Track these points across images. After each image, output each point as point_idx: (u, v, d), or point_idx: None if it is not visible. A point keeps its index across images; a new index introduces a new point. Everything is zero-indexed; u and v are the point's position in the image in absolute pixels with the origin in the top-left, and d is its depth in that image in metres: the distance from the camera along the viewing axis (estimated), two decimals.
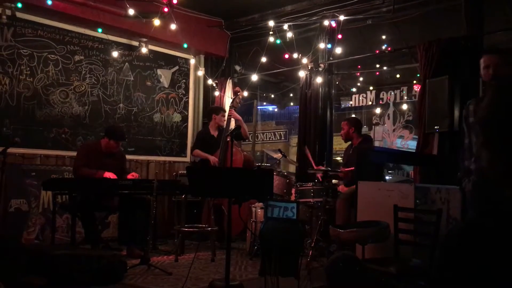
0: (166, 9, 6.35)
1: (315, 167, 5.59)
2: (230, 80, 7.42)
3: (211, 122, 6.36)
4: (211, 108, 6.79)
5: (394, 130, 8.07)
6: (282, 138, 14.33)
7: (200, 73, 7.45)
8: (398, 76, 7.86)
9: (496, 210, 2.40)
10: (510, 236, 2.34)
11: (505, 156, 2.48)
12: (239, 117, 6.10)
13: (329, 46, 6.46)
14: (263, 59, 6.87)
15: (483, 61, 2.98)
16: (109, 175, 5.09)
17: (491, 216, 2.42)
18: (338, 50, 6.40)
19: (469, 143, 2.89)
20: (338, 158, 9.42)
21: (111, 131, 5.38)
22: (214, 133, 6.28)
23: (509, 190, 2.34)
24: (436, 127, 4.99)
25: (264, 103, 12.67)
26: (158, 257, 5.29)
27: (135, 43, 6.83)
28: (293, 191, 5.50)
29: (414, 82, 7.27)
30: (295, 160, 6.60)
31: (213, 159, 5.96)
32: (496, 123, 2.63)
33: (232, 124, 6.14)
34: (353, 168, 5.37)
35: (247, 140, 8.08)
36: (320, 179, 5.31)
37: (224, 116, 6.29)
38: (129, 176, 5.25)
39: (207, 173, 3.78)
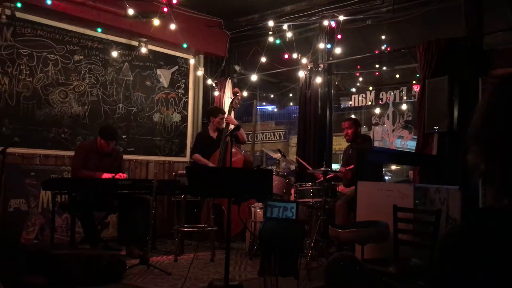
0: (165, 9, 6.34)
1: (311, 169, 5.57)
2: (230, 80, 7.42)
3: (210, 123, 6.35)
4: (209, 110, 6.72)
5: (393, 130, 8.07)
6: (282, 138, 14.30)
7: (200, 73, 7.45)
8: (397, 76, 7.85)
9: None
10: None
11: None
12: (236, 122, 6.00)
13: (328, 46, 6.46)
14: (263, 59, 6.87)
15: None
16: (106, 176, 5.09)
17: None
18: (338, 50, 6.40)
19: None
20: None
21: (102, 130, 5.40)
22: (213, 134, 6.24)
23: None
24: (435, 127, 4.99)
25: (264, 103, 12.63)
26: (157, 257, 5.29)
27: (135, 43, 6.82)
28: (292, 191, 5.50)
29: (414, 82, 7.28)
30: (294, 160, 6.60)
31: (211, 165, 5.90)
32: None
33: (231, 126, 6.11)
34: (352, 166, 5.36)
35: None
36: (322, 179, 5.29)
37: (222, 118, 6.21)
38: (117, 176, 5.20)
39: (207, 173, 3.78)
